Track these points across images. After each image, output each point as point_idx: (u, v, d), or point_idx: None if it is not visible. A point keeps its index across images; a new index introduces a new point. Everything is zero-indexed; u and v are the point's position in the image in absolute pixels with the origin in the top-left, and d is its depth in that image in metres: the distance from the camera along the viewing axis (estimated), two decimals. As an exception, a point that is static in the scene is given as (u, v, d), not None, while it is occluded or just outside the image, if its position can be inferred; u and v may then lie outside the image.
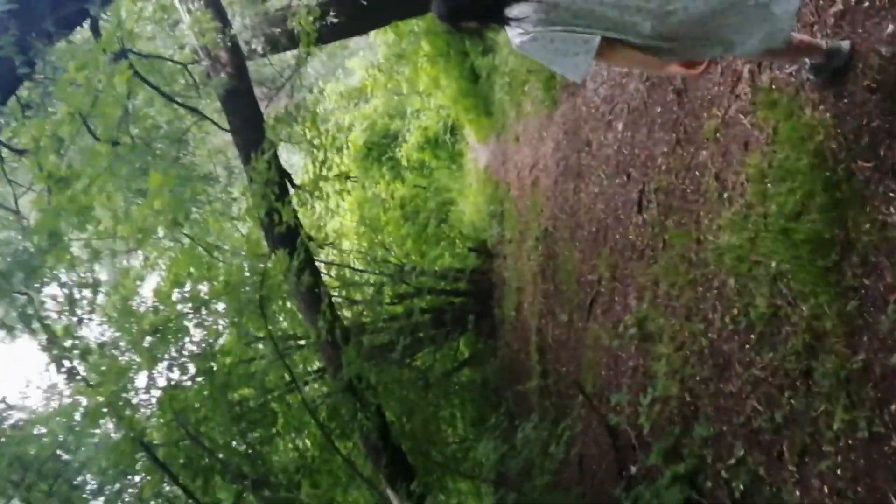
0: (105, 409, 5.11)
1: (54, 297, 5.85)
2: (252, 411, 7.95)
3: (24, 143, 5.74)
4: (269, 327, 8.43)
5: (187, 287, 7.79)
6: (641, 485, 4.18)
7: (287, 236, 8.56)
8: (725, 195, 3.65)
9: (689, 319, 3.99)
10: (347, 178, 7.64)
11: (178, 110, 8.64)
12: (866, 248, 2.55)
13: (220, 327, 7.72)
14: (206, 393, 6.81)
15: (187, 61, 8.55)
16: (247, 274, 7.06)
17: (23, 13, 5.35)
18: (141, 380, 6.06)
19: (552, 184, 7.89)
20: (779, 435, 2.97)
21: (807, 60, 2.86)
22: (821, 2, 2.95)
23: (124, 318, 6.01)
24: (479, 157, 14.24)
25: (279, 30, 11.37)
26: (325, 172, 6.56)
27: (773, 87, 3.19)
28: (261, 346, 9.93)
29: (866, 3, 2.72)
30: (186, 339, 7.14)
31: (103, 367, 5.27)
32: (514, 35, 2.36)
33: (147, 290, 7.71)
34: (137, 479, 6.20)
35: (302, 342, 10.39)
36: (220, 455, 6.42)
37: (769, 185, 3.15)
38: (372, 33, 14.59)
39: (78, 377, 5.59)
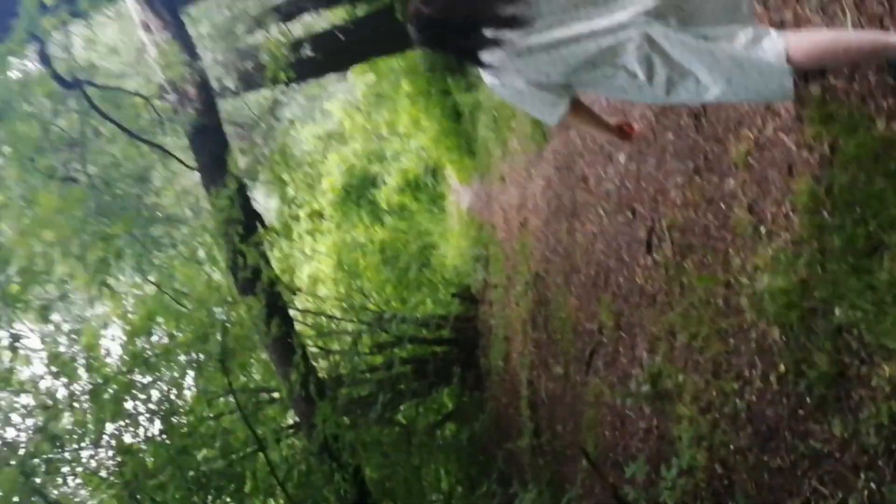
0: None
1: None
2: (216, 475, 7.18)
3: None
4: (236, 381, 7.74)
5: (147, 337, 7.15)
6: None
7: (256, 282, 7.95)
8: (763, 229, 3.09)
9: (719, 377, 3.39)
10: (320, 216, 7.03)
11: (140, 147, 8.03)
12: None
13: (183, 382, 7.03)
14: (163, 456, 6.08)
15: (152, 95, 7.98)
16: (213, 323, 6.39)
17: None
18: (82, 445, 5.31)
19: (543, 224, 7.34)
20: (853, 526, 2.37)
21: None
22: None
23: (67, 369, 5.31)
24: (461, 199, 13.73)
25: (253, 66, 10.89)
26: (294, 210, 5.95)
27: (827, 97, 2.65)
28: (232, 398, 9.23)
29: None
30: (142, 397, 6.43)
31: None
32: (486, 75, 2.35)
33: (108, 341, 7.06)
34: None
35: (276, 394, 9.64)
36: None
37: (827, 215, 2.59)
38: (351, 75, 14.19)
39: None
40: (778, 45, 2.03)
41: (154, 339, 6.90)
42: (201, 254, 7.33)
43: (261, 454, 7.79)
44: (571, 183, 6.35)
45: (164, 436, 5.83)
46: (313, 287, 12.15)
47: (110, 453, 5.60)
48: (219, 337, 6.78)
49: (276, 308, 8.28)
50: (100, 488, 5.37)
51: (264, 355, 8.55)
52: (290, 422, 9.63)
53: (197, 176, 9.14)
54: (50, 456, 4.96)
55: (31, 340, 6.29)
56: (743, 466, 3.12)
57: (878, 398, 2.31)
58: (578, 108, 2.44)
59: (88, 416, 5.47)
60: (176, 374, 6.81)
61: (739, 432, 3.17)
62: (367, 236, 15.24)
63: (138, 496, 5.63)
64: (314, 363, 10.83)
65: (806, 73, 2.89)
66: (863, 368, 2.39)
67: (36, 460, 4.90)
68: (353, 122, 15.12)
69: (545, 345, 7.08)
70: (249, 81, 11.05)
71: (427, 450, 9.09)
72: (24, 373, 5.18)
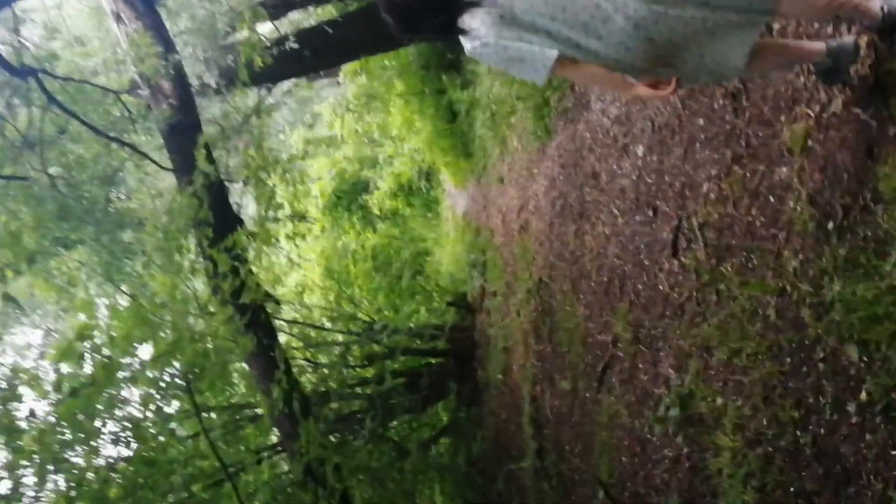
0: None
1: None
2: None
3: None
4: (208, 400, 7.16)
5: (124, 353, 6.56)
6: None
7: (238, 292, 7.38)
8: (831, 225, 2.54)
9: (771, 402, 2.83)
10: (302, 218, 6.47)
11: (109, 146, 7.44)
12: None
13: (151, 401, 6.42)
14: (124, 486, 5.46)
15: (122, 90, 7.40)
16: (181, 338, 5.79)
17: None
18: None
19: (546, 227, 6.78)
20: None
21: None
22: None
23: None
24: (456, 203, 13.18)
25: (236, 64, 10.32)
26: (273, 212, 5.40)
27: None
28: (213, 415, 8.63)
29: None
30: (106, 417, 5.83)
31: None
32: (466, 41, 2.24)
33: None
34: None
35: (260, 411, 9.03)
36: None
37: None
38: (343, 77, 13.63)
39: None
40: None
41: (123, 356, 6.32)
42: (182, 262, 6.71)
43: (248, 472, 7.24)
44: (579, 181, 5.79)
45: (128, 463, 5.22)
46: (301, 296, 11.56)
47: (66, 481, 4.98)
48: (186, 352, 6.21)
49: (259, 319, 7.72)
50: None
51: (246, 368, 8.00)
52: (275, 439, 9.04)
53: (172, 177, 8.59)
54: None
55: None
56: (807, 513, 2.57)
57: None
58: (574, 62, 2.22)
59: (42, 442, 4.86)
60: (144, 392, 6.22)
61: (803, 472, 2.60)
62: (358, 242, 14.67)
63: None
64: (300, 377, 10.25)
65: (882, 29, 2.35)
66: None
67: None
68: (343, 124, 14.55)
69: (550, 357, 6.52)
70: (233, 80, 10.49)
71: (421, 471, 8.50)
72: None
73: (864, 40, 2.39)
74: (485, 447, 8.74)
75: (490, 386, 9.12)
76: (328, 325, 10.65)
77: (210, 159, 5.67)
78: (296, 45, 10.78)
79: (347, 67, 13.14)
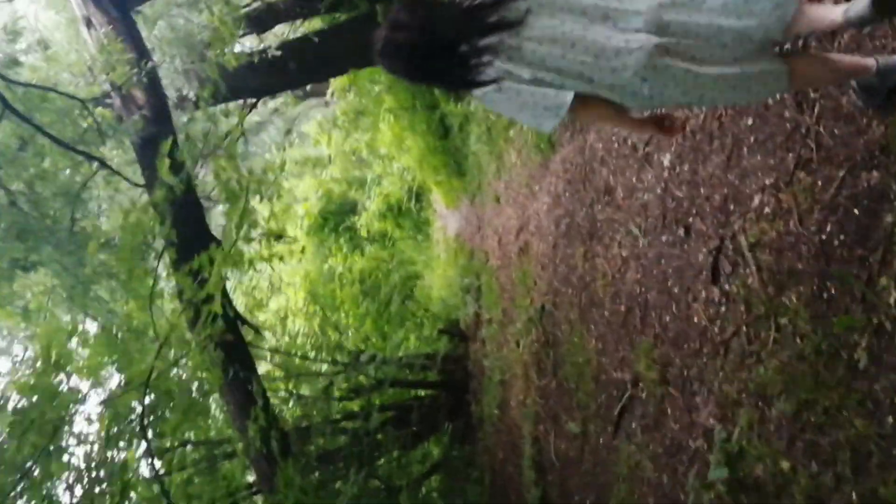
0: None
1: None
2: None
3: None
4: (175, 437, 6.49)
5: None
6: None
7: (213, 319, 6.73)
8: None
9: (865, 473, 2.21)
10: (279, 238, 5.87)
11: (76, 159, 6.81)
12: None
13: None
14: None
15: (90, 99, 6.77)
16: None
17: None
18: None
19: (549, 249, 6.17)
20: None
21: None
22: None
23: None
24: (448, 225, 12.57)
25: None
26: (246, 231, 4.77)
27: None
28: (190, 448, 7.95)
29: None
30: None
31: None
32: (475, 91, 2.10)
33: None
34: None
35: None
36: None
37: None
38: (331, 95, 13.07)
39: None
40: None
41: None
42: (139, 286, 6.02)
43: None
44: (589, 197, 5.19)
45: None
46: (284, 322, 10.88)
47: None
48: (155, 385, 5.55)
49: (235, 349, 7.07)
50: None
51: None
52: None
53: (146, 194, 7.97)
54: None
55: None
56: None
57: None
58: (585, 100, 2.10)
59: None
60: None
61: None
62: (345, 266, 14.02)
63: None
64: (281, 409, 9.55)
65: None
66: None
67: None
68: (330, 142, 13.96)
69: (555, 395, 5.87)
70: (215, 93, 9.89)
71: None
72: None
73: None
74: (480, 491, 8.05)
75: (485, 422, 8.45)
76: (312, 353, 9.98)
77: (176, 171, 5.06)
78: (279, 57, 10.24)
79: (336, 85, 12.59)
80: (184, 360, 5.95)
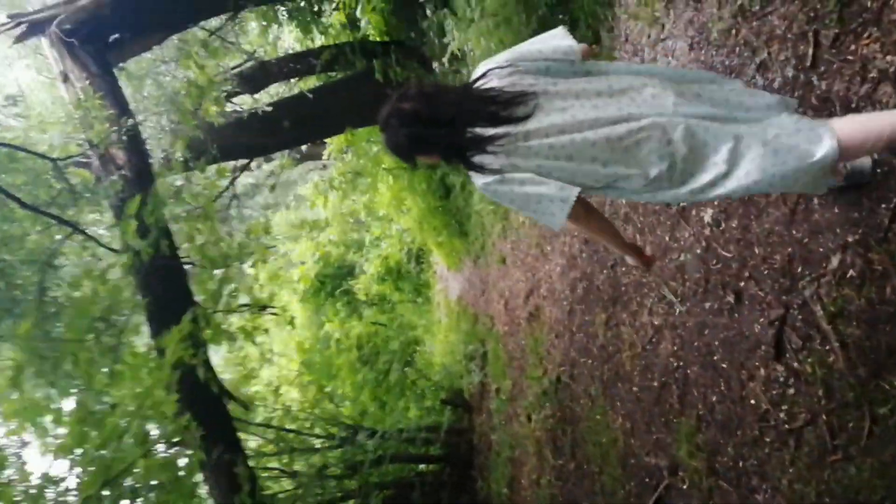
0: None
1: None
2: None
3: None
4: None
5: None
6: None
7: (195, 392, 6.19)
8: None
9: None
10: (263, 308, 5.38)
11: (48, 224, 6.33)
12: None
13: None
14: None
15: (62, 157, 6.33)
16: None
17: None
18: None
19: (564, 315, 5.65)
20: None
21: None
22: None
23: None
24: (449, 287, 12.05)
25: (209, 137, 9.34)
26: (226, 301, 4.27)
27: None
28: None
29: None
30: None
31: None
32: (477, 177, 2.07)
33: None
34: None
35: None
36: None
37: None
38: (328, 156, 12.71)
39: None
40: (825, 136, 1.89)
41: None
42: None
43: None
44: (611, 259, 4.70)
45: None
46: (276, 392, 10.25)
47: None
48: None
49: (219, 427, 6.49)
50: None
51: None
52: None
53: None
54: None
55: None
56: None
57: None
58: (588, 207, 2.17)
59: None
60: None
61: None
62: (342, 331, 13.45)
63: None
64: (272, 492, 8.88)
65: None
66: None
67: None
68: (326, 203, 13.55)
69: (573, 477, 5.27)
70: (203, 153, 9.50)
71: None
72: None
73: None
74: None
75: (492, 501, 7.78)
76: (307, 426, 9.34)
77: (145, 234, 4.55)
78: (273, 115, 9.90)
79: (333, 146, 12.25)
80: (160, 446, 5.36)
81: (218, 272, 4.24)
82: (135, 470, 5.26)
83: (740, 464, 2.99)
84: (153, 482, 5.52)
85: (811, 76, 2.60)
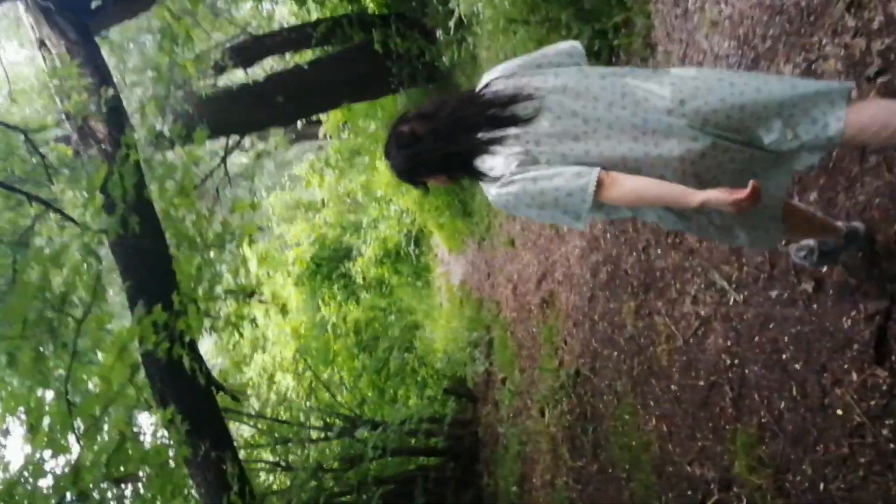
0: None
1: None
2: None
3: None
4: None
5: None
6: None
7: (179, 383, 5.75)
8: None
9: None
10: (249, 295, 4.87)
11: (22, 202, 5.81)
12: None
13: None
14: None
15: (36, 128, 5.79)
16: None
17: None
18: None
19: (584, 302, 5.15)
20: None
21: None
22: None
23: None
24: (452, 271, 11.55)
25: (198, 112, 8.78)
26: (206, 287, 3.76)
27: None
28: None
29: None
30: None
31: None
32: (489, 186, 1.94)
33: None
34: None
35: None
36: None
37: None
38: (324, 133, 12.15)
39: None
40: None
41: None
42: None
43: None
44: (643, 239, 4.19)
45: None
46: (270, 381, 9.78)
47: None
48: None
49: (207, 422, 6.00)
50: None
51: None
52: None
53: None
54: None
55: None
56: None
57: None
58: (609, 174, 1.84)
59: None
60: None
61: None
62: (339, 315, 12.97)
63: None
64: (266, 484, 8.42)
65: None
66: None
67: None
68: (323, 184, 13.03)
69: (596, 481, 4.79)
70: (193, 129, 8.94)
71: None
72: None
73: None
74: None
75: (500, 499, 7.32)
76: (302, 417, 8.88)
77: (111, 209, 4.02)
78: (266, 90, 9.36)
79: (329, 123, 11.69)
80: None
81: (205, 256, 3.72)
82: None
83: (821, 486, 2.50)
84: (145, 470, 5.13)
85: None
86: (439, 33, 8.22)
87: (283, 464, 8.27)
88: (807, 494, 2.57)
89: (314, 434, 8.55)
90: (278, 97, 9.19)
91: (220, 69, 10.08)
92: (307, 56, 10.68)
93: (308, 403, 8.89)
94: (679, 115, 1.81)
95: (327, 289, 14.28)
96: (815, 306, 2.59)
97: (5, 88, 6.24)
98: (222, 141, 10.82)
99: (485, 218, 8.58)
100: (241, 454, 8.18)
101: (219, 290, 4.15)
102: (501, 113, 1.89)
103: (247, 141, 13.98)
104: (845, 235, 2.33)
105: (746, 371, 3.02)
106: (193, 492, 6.61)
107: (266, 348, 9.66)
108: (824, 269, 2.54)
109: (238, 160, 16.65)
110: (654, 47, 4.31)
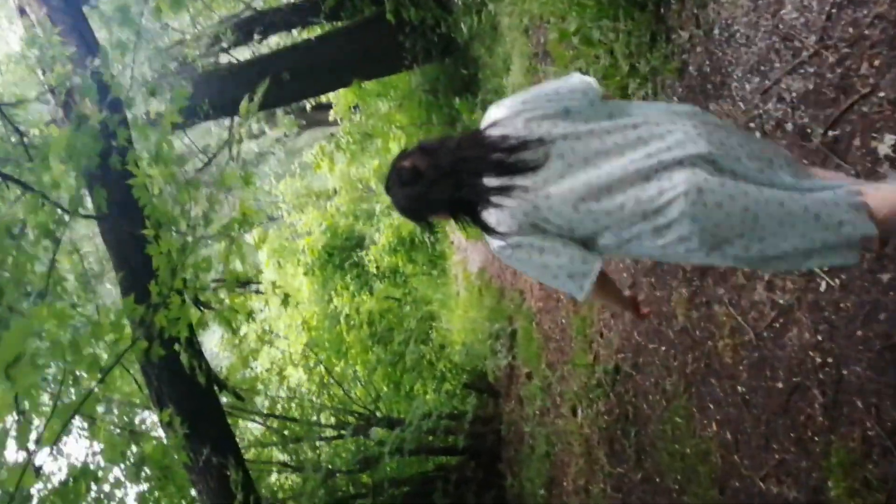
0: None
1: None
2: None
3: None
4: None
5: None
6: None
7: (178, 382, 5.31)
8: None
9: None
10: (243, 285, 4.36)
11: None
12: None
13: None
14: None
15: (11, 103, 5.30)
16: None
17: None
18: None
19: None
20: None
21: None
22: None
23: None
24: (469, 259, 11.01)
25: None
26: (192, 275, 3.25)
27: None
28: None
29: None
30: None
31: None
32: (492, 238, 1.89)
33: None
34: None
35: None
36: None
37: None
38: (335, 115, 11.61)
39: None
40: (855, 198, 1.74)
41: None
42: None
43: None
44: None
45: None
46: (280, 376, 9.28)
47: None
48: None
49: (208, 424, 5.53)
50: None
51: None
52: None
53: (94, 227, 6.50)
54: None
55: None
56: None
57: None
58: (604, 276, 1.94)
59: None
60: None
61: None
62: (352, 306, 12.46)
63: None
64: (276, 484, 7.96)
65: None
66: None
67: None
68: (333, 168, 12.49)
69: (639, 490, 4.25)
70: (194, 110, 8.44)
71: None
72: None
73: None
74: None
75: (525, 502, 6.80)
76: (313, 415, 8.39)
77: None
78: (271, 66, 8.83)
79: (340, 105, 11.14)
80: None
81: (189, 238, 3.20)
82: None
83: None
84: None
85: None
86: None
87: (293, 464, 7.80)
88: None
89: (326, 433, 8.07)
90: (284, 74, 8.65)
91: (222, 45, 9.57)
92: (315, 33, 10.15)
93: (319, 400, 8.39)
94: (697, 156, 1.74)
95: (339, 279, 13.79)
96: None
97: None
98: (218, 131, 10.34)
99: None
100: (250, 453, 7.72)
101: (208, 279, 3.63)
102: (507, 159, 1.79)
103: (254, 125, 13.48)
104: None
105: (845, 372, 2.47)
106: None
107: (274, 342, 9.17)
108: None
109: (249, 147, 16.17)
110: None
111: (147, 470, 4.76)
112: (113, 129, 4.48)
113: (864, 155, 2.43)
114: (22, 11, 5.84)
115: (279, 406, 8.40)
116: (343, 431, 7.88)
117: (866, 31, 2.48)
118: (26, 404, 3.24)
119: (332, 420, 8.18)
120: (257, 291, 7.84)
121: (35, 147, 5.45)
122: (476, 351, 8.90)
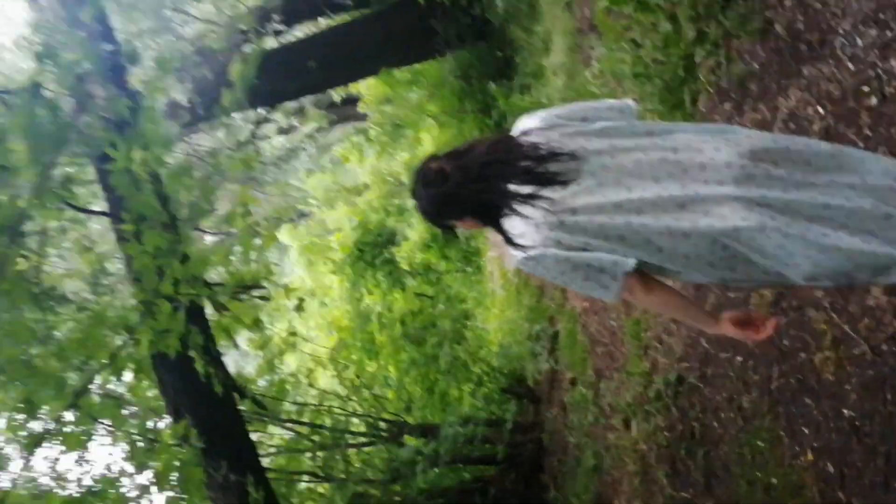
0: None
1: None
2: None
3: None
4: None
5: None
6: None
7: (193, 391, 4.93)
8: None
9: None
10: (248, 289, 3.88)
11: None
12: None
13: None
14: None
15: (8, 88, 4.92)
16: None
17: None
18: None
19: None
20: None
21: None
22: None
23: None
24: (506, 255, 10.45)
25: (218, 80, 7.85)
26: (187, 274, 2.83)
27: None
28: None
29: None
30: None
31: None
32: (514, 250, 1.82)
33: None
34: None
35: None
36: None
37: None
38: (364, 109, 11.17)
39: None
40: None
41: None
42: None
43: None
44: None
45: None
46: (310, 376, 8.87)
47: None
48: None
49: (225, 436, 5.11)
50: None
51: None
52: None
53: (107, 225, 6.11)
54: None
55: None
56: None
57: None
58: (645, 276, 1.77)
59: None
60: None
61: None
62: (384, 304, 12.04)
63: None
64: (303, 497, 7.52)
65: None
66: None
67: None
68: (363, 161, 12.07)
69: (710, 520, 3.70)
70: (215, 100, 8.04)
71: None
72: None
73: None
74: None
75: (571, 518, 6.27)
76: (343, 420, 7.93)
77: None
78: (297, 56, 8.42)
79: (370, 96, 10.68)
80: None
81: (178, 234, 2.74)
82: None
83: None
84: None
85: None
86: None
87: (322, 474, 7.35)
88: None
89: (357, 440, 7.62)
90: (310, 63, 8.22)
91: (246, 35, 9.17)
92: (343, 20, 9.72)
93: (349, 406, 7.94)
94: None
95: (371, 276, 13.38)
96: None
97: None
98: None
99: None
100: (276, 461, 7.29)
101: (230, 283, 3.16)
102: (536, 168, 1.73)
103: (281, 119, 13.12)
104: None
105: None
106: None
107: (300, 345, 8.76)
108: None
109: (275, 142, 15.83)
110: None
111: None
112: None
113: None
114: (32, -3, 5.46)
115: (307, 412, 7.98)
116: (374, 439, 7.43)
117: None
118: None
119: (363, 427, 7.72)
120: (263, 298, 7.38)
121: None
122: (514, 353, 8.38)
